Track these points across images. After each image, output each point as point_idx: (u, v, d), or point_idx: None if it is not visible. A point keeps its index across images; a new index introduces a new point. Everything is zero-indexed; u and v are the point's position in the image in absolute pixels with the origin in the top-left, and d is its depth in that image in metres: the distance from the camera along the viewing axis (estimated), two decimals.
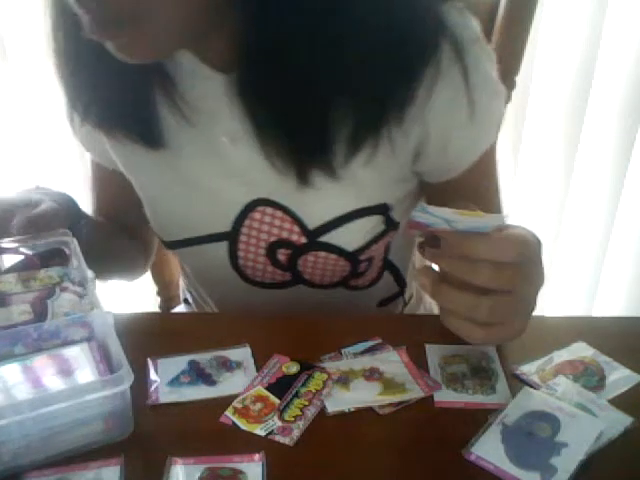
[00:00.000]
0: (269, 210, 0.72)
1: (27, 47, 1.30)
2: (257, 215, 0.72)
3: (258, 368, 0.63)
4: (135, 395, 0.55)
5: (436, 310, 0.96)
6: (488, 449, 0.53)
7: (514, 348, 0.65)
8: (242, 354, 0.65)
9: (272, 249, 0.75)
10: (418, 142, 0.67)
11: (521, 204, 1.46)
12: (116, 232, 0.86)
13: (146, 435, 0.56)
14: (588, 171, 1.44)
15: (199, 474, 0.51)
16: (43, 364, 0.56)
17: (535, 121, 1.38)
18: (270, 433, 0.56)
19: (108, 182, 0.84)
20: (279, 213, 0.72)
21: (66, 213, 0.70)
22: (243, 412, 0.58)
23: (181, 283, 1.01)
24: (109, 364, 0.56)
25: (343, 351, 0.65)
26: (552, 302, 1.58)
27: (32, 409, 0.49)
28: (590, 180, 1.46)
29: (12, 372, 0.55)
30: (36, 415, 0.49)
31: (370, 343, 0.66)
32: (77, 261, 0.66)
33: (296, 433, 0.55)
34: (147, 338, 0.70)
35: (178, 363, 0.64)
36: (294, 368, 0.63)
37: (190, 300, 0.97)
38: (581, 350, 0.65)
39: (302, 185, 0.66)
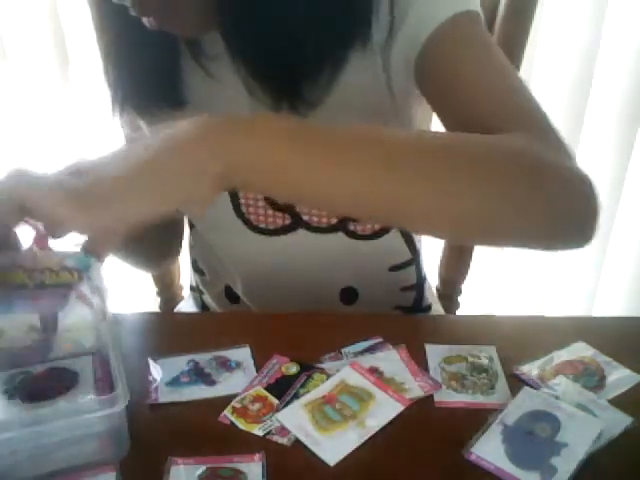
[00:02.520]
0: None
1: (27, 47, 1.30)
2: None
3: (258, 368, 0.63)
4: (135, 395, 0.55)
5: (435, 310, 0.96)
6: (488, 449, 0.53)
7: (514, 348, 0.65)
8: (242, 354, 0.65)
9: None
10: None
11: None
12: None
13: (146, 435, 0.55)
14: (588, 171, 1.44)
15: (199, 474, 0.51)
16: (42, 377, 0.56)
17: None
18: (268, 433, 0.56)
19: None
20: None
21: None
22: (241, 412, 0.58)
23: (189, 275, 1.00)
24: (111, 381, 0.55)
25: (343, 351, 0.65)
26: (552, 302, 1.58)
27: (21, 427, 0.48)
28: None
29: (9, 384, 0.55)
30: (24, 433, 0.48)
31: (370, 342, 0.66)
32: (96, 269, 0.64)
33: (294, 433, 0.55)
34: (147, 338, 0.70)
35: (178, 363, 0.64)
36: (294, 369, 0.63)
37: (197, 282, 0.96)
38: (581, 350, 0.65)
39: (291, 112, 0.67)
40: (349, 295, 0.85)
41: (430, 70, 0.65)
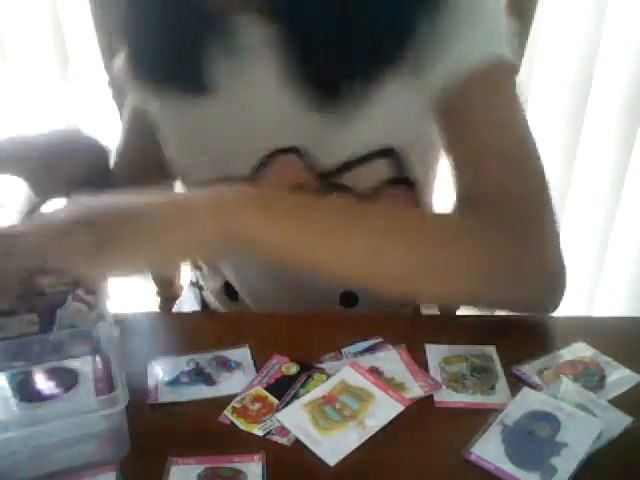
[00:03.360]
0: (291, 157, 0.74)
1: (27, 47, 1.30)
2: (278, 161, 0.75)
3: (258, 368, 0.63)
4: (135, 395, 0.55)
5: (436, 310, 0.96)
6: (488, 449, 0.53)
7: (514, 348, 0.65)
8: (242, 354, 0.65)
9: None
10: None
11: None
12: None
13: (146, 435, 0.55)
14: (588, 171, 1.44)
15: (199, 474, 0.51)
16: (42, 377, 0.56)
17: (535, 121, 1.38)
18: (268, 433, 0.56)
19: (134, 142, 0.90)
20: (296, 158, 0.74)
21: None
22: (241, 412, 0.58)
23: (190, 270, 1.00)
24: (111, 381, 0.56)
25: (343, 351, 0.65)
26: None
27: (20, 427, 0.48)
28: (590, 180, 1.46)
29: (10, 382, 0.55)
30: (24, 434, 0.48)
31: (370, 342, 0.66)
32: None
33: (294, 433, 0.55)
34: (147, 338, 0.70)
35: (178, 363, 0.64)
36: (294, 369, 0.63)
37: (197, 277, 0.96)
38: (581, 350, 0.65)
39: (324, 115, 0.68)
40: (349, 299, 0.85)
41: (446, 116, 0.68)
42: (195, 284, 0.97)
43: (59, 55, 1.32)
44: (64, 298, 0.61)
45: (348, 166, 0.74)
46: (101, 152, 0.84)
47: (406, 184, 0.78)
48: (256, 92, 0.73)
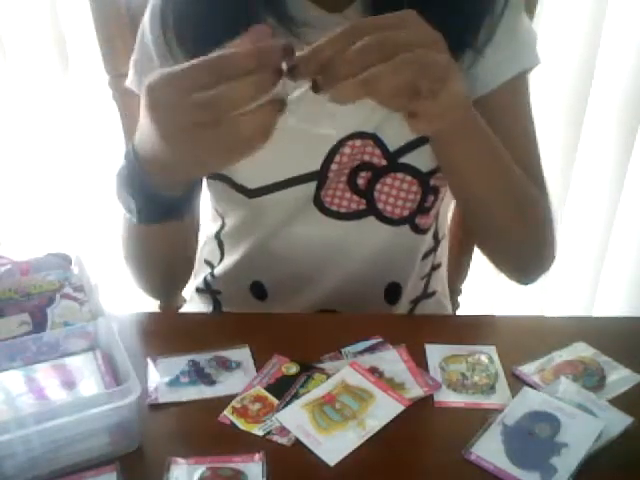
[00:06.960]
0: (358, 142, 0.75)
1: (27, 46, 1.30)
2: (347, 150, 0.76)
3: (258, 368, 0.63)
4: None
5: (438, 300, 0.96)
6: (488, 449, 0.53)
7: (514, 348, 0.65)
8: (242, 354, 0.65)
9: (354, 173, 0.77)
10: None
11: None
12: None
13: (146, 435, 0.55)
14: (588, 171, 1.44)
15: (199, 474, 0.51)
16: (46, 374, 0.56)
17: (536, 121, 1.38)
18: (268, 433, 0.56)
19: None
20: (368, 142, 0.75)
21: None
22: (241, 412, 0.58)
23: (195, 276, 0.97)
24: (115, 375, 0.56)
25: (343, 351, 0.65)
26: (552, 302, 1.58)
27: (37, 423, 0.48)
28: (590, 180, 1.45)
29: (15, 382, 0.55)
30: (41, 429, 0.48)
31: (370, 342, 0.66)
32: (79, 267, 0.66)
33: (294, 434, 0.55)
34: (147, 338, 0.70)
35: (178, 363, 0.64)
36: (294, 369, 0.63)
37: (210, 283, 0.94)
38: (581, 350, 0.65)
39: None
40: (392, 293, 0.85)
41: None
42: (206, 290, 0.95)
43: (59, 55, 1.32)
44: (52, 297, 0.62)
45: (412, 146, 0.75)
46: None
47: None
48: None
